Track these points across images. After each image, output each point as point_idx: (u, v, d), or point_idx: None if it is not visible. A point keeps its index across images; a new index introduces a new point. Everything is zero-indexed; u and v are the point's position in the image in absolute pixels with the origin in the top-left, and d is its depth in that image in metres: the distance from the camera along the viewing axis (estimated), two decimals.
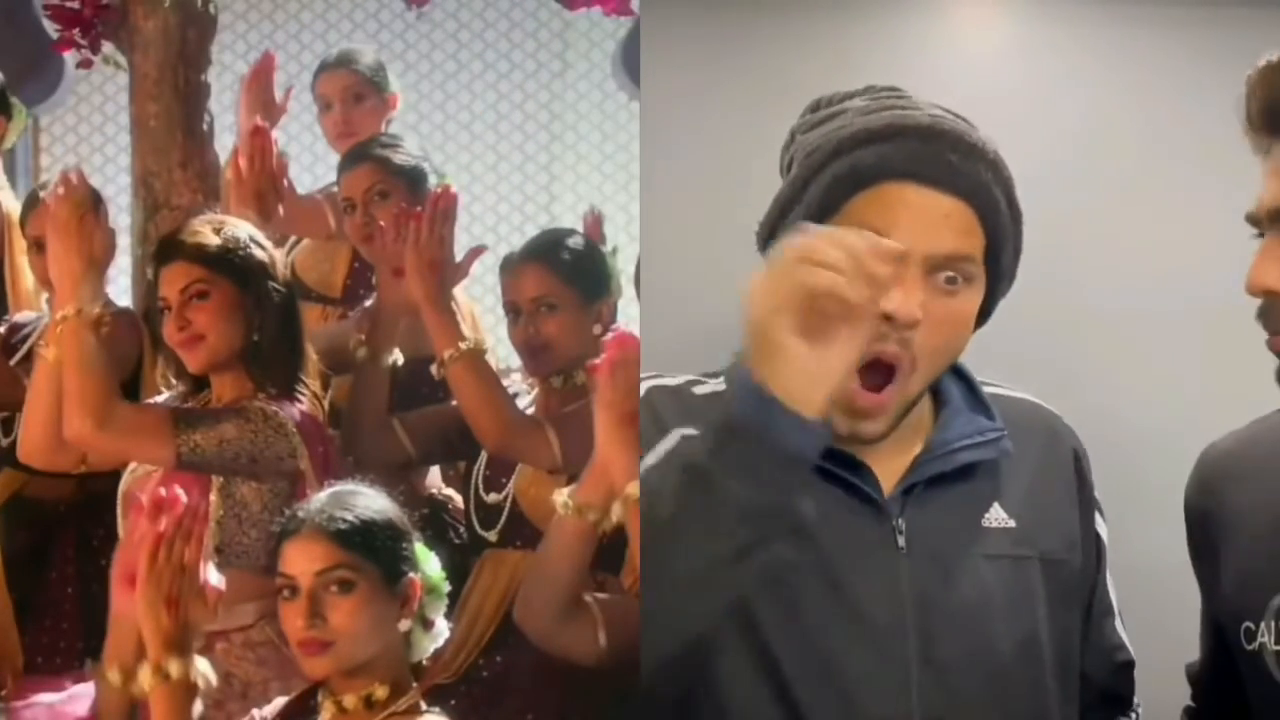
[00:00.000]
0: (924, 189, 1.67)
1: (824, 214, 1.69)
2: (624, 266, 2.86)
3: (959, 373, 1.83)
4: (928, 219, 1.66)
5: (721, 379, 1.81)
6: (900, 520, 1.72)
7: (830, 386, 1.53)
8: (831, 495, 1.70)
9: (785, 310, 1.50)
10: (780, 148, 1.86)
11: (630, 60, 3.39)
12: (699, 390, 1.81)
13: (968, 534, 1.76)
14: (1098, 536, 1.88)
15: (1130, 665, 1.93)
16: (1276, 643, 1.65)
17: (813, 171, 1.72)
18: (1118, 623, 1.91)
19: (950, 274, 1.67)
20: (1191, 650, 1.92)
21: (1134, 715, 1.94)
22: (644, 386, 1.82)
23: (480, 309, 3.32)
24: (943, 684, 1.69)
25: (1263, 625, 1.67)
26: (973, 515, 1.77)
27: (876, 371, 1.67)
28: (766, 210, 1.79)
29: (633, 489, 2.15)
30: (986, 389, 1.85)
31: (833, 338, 1.51)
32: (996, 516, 1.77)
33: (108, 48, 3.23)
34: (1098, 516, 1.89)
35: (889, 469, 1.74)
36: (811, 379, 1.51)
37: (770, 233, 1.76)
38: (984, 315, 1.76)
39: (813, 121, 1.79)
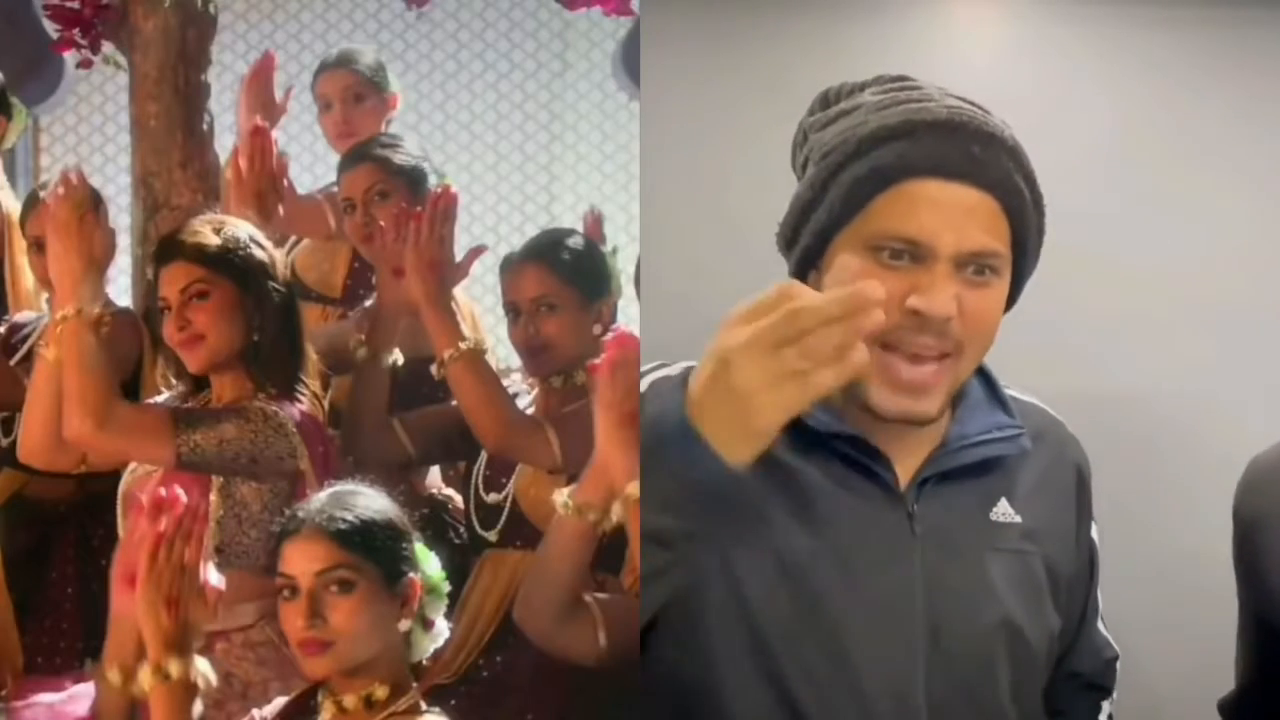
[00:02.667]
0: (947, 184, 1.64)
1: (846, 215, 1.67)
2: (624, 266, 2.85)
3: (979, 369, 1.81)
4: (953, 214, 1.64)
5: None
6: (915, 508, 1.73)
7: (764, 445, 1.40)
8: (849, 481, 1.71)
9: (755, 352, 1.35)
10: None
11: (630, 60, 3.38)
12: None
13: (978, 526, 1.77)
14: (1092, 543, 1.90)
15: (1116, 659, 1.98)
16: None
17: (831, 172, 1.69)
18: (1101, 623, 1.96)
19: (978, 266, 1.66)
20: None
21: (1111, 699, 1.99)
22: (646, 381, 1.80)
23: (480, 309, 3.32)
24: (948, 669, 1.70)
25: None
26: (982, 508, 1.78)
27: (914, 364, 1.65)
28: (786, 212, 1.77)
29: (633, 489, 2.15)
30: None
31: (803, 381, 1.36)
32: (1003, 511, 1.78)
33: (108, 48, 3.22)
34: (1092, 524, 1.91)
35: (906, 459, 1.74)
36: (749, 435, 1.39)
37: (793, 234, 1.75)
38: (1011, 298, 1.75)
39: (825, 119, 1.76)
